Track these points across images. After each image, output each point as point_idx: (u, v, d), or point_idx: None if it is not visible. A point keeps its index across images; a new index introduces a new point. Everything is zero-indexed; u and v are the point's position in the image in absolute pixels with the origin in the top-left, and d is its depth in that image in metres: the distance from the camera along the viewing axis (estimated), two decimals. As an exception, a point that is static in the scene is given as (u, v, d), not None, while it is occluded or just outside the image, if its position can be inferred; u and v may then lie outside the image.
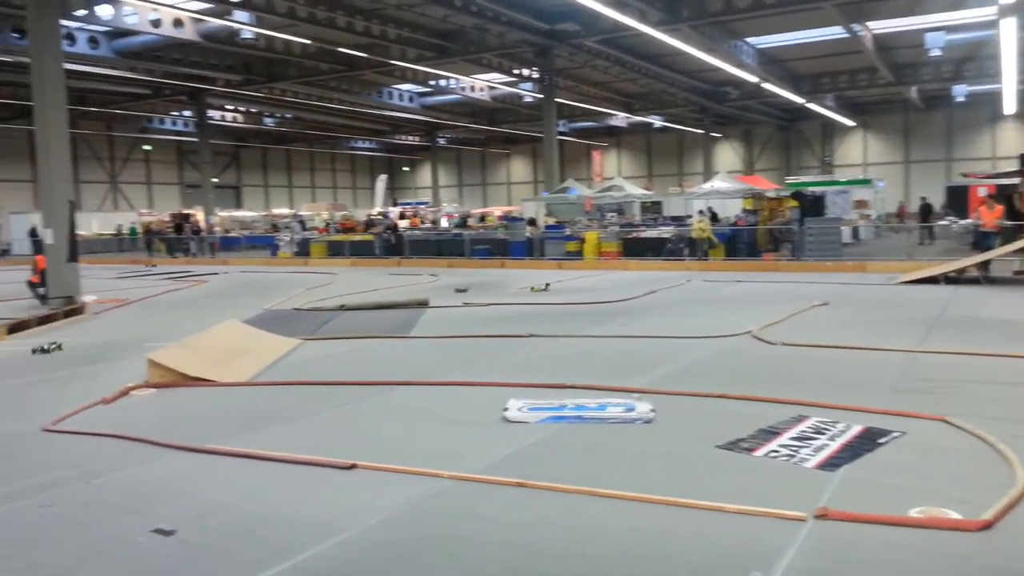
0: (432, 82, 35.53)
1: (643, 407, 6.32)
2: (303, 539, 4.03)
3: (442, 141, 56.21)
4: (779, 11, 23.22)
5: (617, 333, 10.49)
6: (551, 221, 28.04)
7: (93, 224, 39.81)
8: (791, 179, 38.03)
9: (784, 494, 4.42)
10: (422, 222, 38.64)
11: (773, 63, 32.86)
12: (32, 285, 15.86)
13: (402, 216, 39.95)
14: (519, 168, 60.92)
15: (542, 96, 31.88)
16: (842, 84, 37.05)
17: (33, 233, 33.50)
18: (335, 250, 28.14)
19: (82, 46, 25.59)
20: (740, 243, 21.95)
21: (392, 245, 26.75)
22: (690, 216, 24.58)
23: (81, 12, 22.31)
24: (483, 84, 36.85)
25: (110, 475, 5.14)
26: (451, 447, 5.66)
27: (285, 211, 48.92)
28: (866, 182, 33.91)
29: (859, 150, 49.31)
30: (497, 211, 43.98)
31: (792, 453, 5.21)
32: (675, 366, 8.21)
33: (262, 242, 34.64)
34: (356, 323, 11.90)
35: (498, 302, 14.31)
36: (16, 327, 11.99)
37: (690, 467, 5.08)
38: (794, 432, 5.66)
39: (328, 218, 40.91)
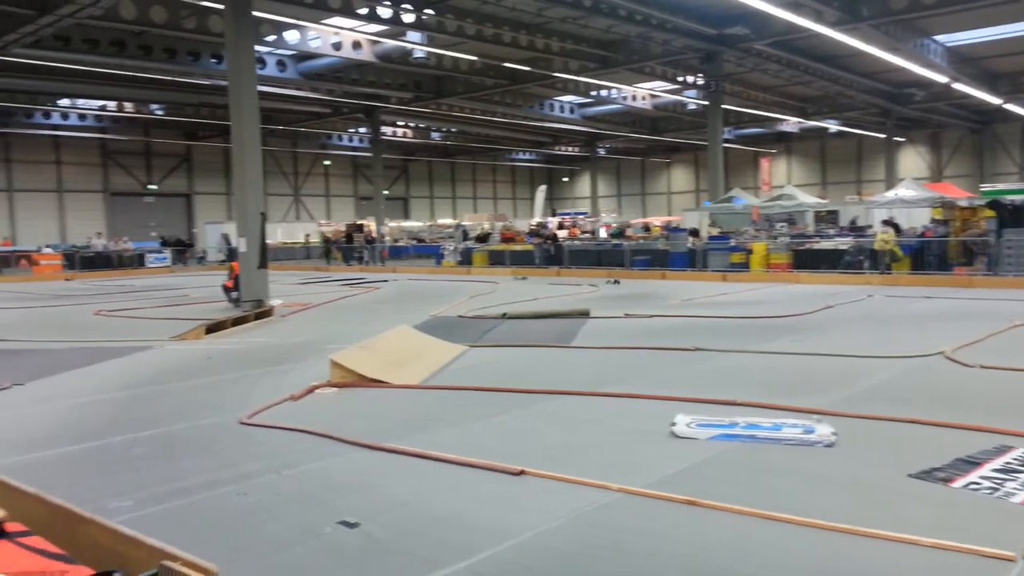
0: (593, 93, 35.60)
1: (824, 429, 5.94)
2: (476, 541, 4.12)
3: (602, 151, 56.19)
4: (971, 6, 21.33)
5: (790, 350, 9.98)
6: (715, 232, 27.22)
7: (278, 234, 43.18)
8: (986, 187, 34.66)
9: (988, 530, 4.01)
10: (581, 232, 38.73)
11: (965, 61, 30.19)
12: (227, 289, 17.38)
13: (560, 226, 40.27)
14: (680, 177, 59.71)
15: (707, 103, 31.10)
16: (1046, 82, 33.41)
17: (225, 241, 36.87)
18: (496, 259, 28.82)
19: (271, 69, 27.84)
20: (929, 256, 20.27)
21: (551, 255, 27.01)
22: (870, 226, 23.00)
23: (271, 38, 24.32)
24: (645, 93, 36.47)
25: (299, 468, 5.50)
26: (618, 459, 5.59)
27: (449, 221, 50.72)
28: (1076, 189, 30.22)
29: (1067, 154, 44.24)
30: (656, 221, 43.30)
31: (996, 486, 4.72)
32: (857, 387, 7.68)
33: (428, 251, 36.13)
34: (519, 331, 12.09)
35: (660, 314, 14.05)
36: (213, 327, 13.15)
37: (878, 495, 4.72)
38: (997, 463, 5.13)
39: (489, 228, 41.99)
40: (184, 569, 2.72)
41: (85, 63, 24.93)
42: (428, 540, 4.22)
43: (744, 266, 22.51)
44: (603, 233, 38.48)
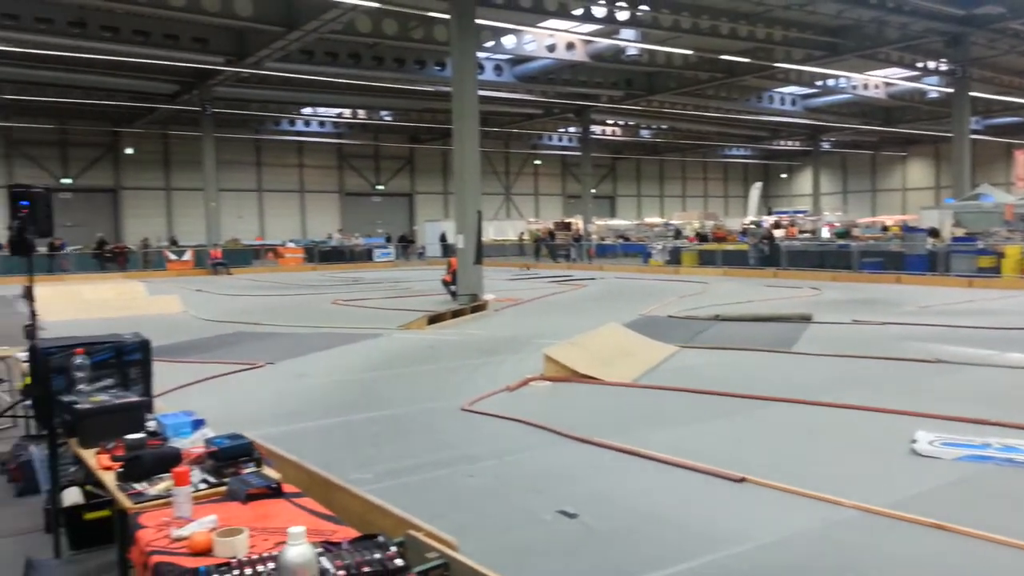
0: (819, 83, 33.45)
1: (1103, 458, 5.16)
2: (695, 544, 4.03)
3: (826, 145, 52.64)
4: None
5: (1054, 365, 8.76)
6: (959, 232, 24.53)
7: (490, 231, 44.95)
8: None
9: None
10: (800, 232, 36.55)
11: None
12: (445, 284, 18.37)
13: (776, 225, 38.27)
14: (917, 172, 54.47)
15: (951, 90, 28.11)
16: None
17: (442, 238, 39.05)
18: (706, 259, 27.99)
19: (489, 74, 28.99)
20: None
21: (767, 255, 25.75)
22: None
23: (489, 44, 25.34)
24: (878, 81, 33.66)
25: (518, 455, 5.69)
26: (850, 474, 5.21)
27: (656, 220, 50.00)
28: None
29: None
30: (889, 220, 39.84)
31: None
32: None
33: (634, 249, 35.88)
34: (732, 334, 11.65)
35: (894, 321, 12.90)
36: (434, 319, 13.94)
37: None
38: None
39: (699, 227, 40.86)
40: (428, 540, 2.91)
41: (326, 74, 27.44)
42: (646, 537, 4.19)
43: (994, 271, 20.07)
44: (825, 233, 36.06)
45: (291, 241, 38.86)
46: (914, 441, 5.70)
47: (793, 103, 37.90)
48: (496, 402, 7.43)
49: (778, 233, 31.79)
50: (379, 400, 7.68)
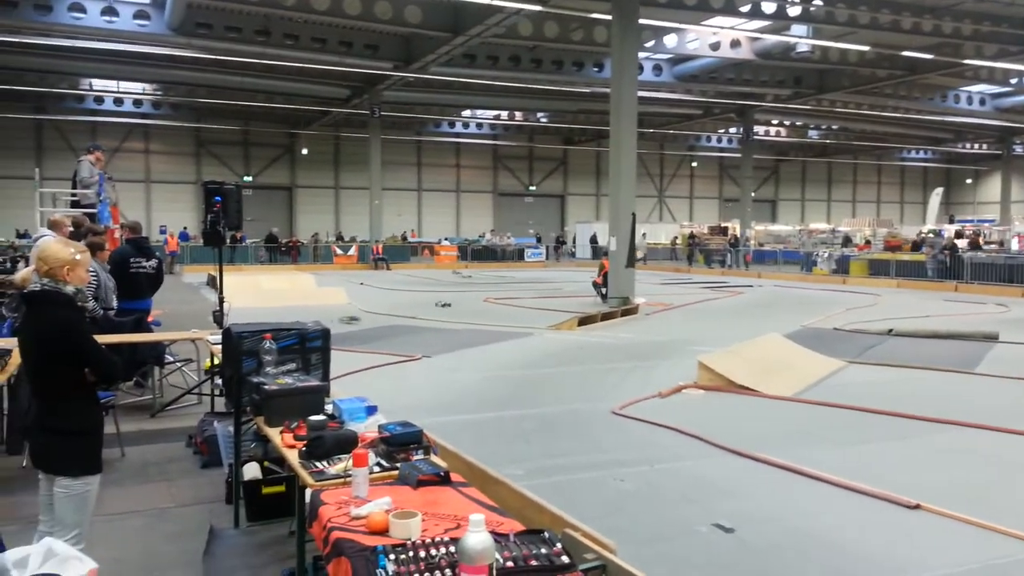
0: (1013, 80, 30.48)
1: None
2: (861, 570, 3.81)
3: (1018, 149, 47.85)
4: None
5: None
6: None
7: (642, 234, 44.40)
8: None
9: None
10: (987, 243, 33.44)
11: None
12: (596, 286, 18.32)
13: (959, 235, 35.21)
14: None
15: None
16: None
17: (593, 240, 38.96)
18: (878, 269, 26.21)
19: (648, 74, 28.61)
20: None
21: (947, 267, 23.75)
22: None
23: (649, 43, 25.01)
24: (1084, 78, 30.23)
25: (670, 464, 5.59)
26: (1042, 510, 4.73)
27: (823, 226, 47.39)
28: None
29: None
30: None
31: None
32: None
33: (796, 257, 34.19)
34: (906, 351, 10.83)
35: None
36: (584, 320, 13.96)
37: None
38: None
39: (870, 234, 38.37)
40: (585, 540, 2.92)
41: (487, 77, 28.13)
42: (808, 559, 4.00)
43: None
44: (1015, 245, 32.78)
45: (445, 239, 40.18)
46: (1123, 481, 5.08)
47: (982, 102, 34.75)
48: (647, 407, 7.34)
49: (961, 243, 29.23)
50: (529, 398, 7.79)
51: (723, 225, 41.96)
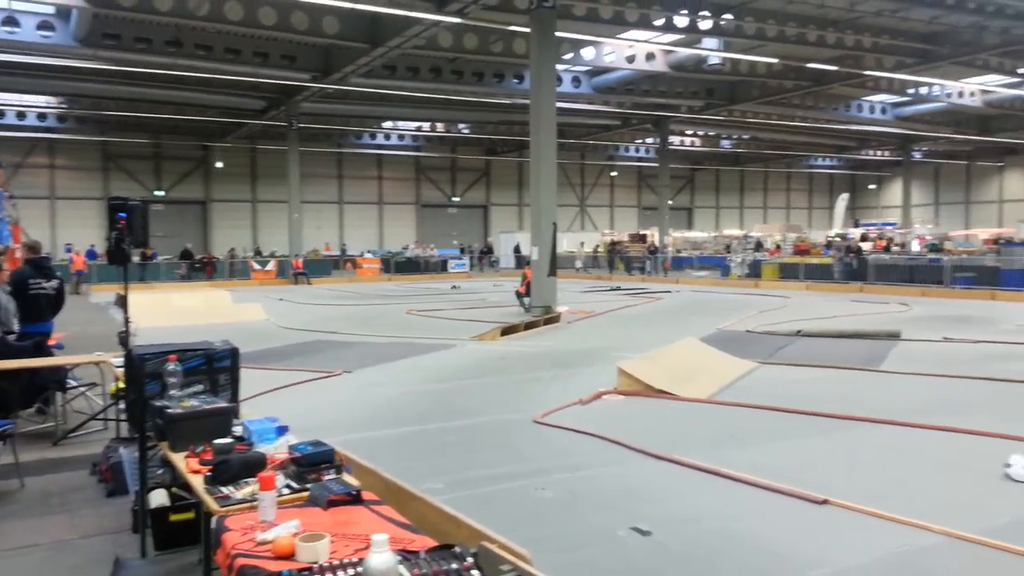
0: (911, 91, 32.20)
1: None
2: (773, 567, 3.94)
3: (917, 155, 50.58)
4: None
5: None
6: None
7: (563, 243, 44.89)
8: None
9: None
10: (889, 245, 35.17)
11: None
12: (519, 295, 18.42)
13: (864, 238, 36.94)
14: (1015, 183, 51.73)
15: (1054, 97, 26.63)
16: None
17: (516, 250, 39.21)
18: (788, 273, 27.24)
19: (567, 86, 29.04)
20: None
21: (853, 269, 24.87)
22: None
23: (568, 56, 25.39)
24: (975, 88, 32.17)
25: (591, 470, 5.65)
26: (938, 499, 5.00)
27: (735, 232, 48.94)
28: None
29: None
30: (982, 233, 37.95)
31: None
32: None
33: (711, 262, 35.22)
34: (815, 351, 11.28)
35: (989, 339, 12.27)
36: (507, 330, 14.01)
37: None
38: None
39: (781, 239, 39.81)
40: (502, 552, 2.93)
41: (407, 88, 28.00)
42: (724, 558, 4.11)
43: (1101, 288, 18.90)
44: (916, 246, 34.59)
45: (368, 251, 39.70)
46: (1008, 465, 5.40)
47: (883, 112, 36.62)
48: (569, 415, 7.41)
49: (865, 246, 30.66)
50: (452, 410, 7.75)
51: (642, 233, 42.83)
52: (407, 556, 2.10)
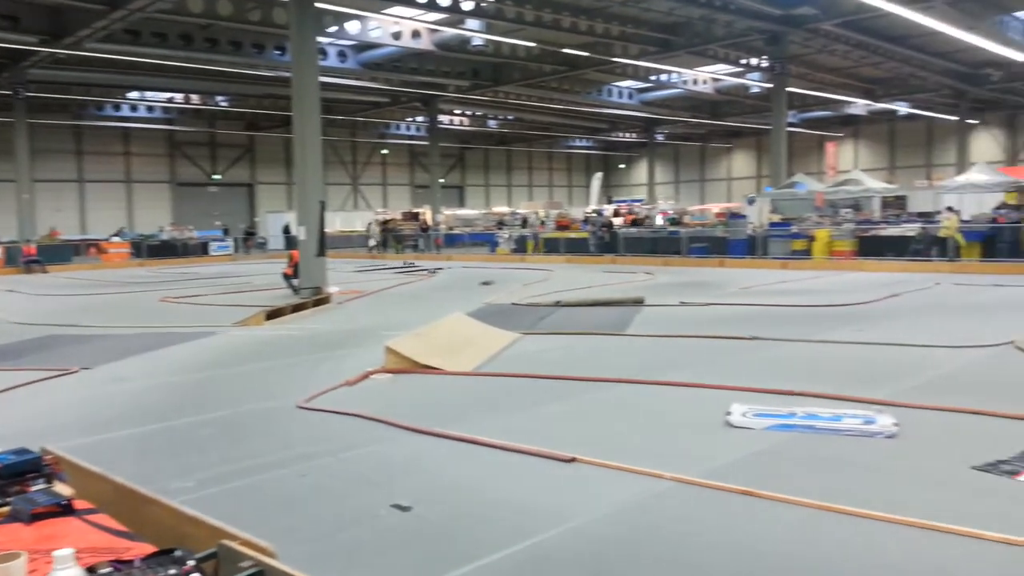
0: (653, 77, 35.10)
1: (885, 420, 5.78)
2: (528, 525, 4.14)
3: (660, 137, 55.42)
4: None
5: (853, 339, 9.71)
6: (776, 218, 26.62)
7: (336, 222, 43.88)
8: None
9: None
10: (637, 220, 38.28)
11: (1047, 37, 28.70)
12: (286, 277, 17.75)
13: (616, 213, 39.93)
14: (741, 163, 58.51)
15: (771, 86, 30.32)
16: None
17: (286, 230, 37.69)
18: (551, 247, 28.76)
19: (332, 60, 28.20)
20: (1001, 242, 19.45)
21: (606, 243, 26.82)
22: (939, 212, 22.21)
23: (333, 28, 24.66)
24: (707, 76, 35.78)
25: (355, 451, 5.61)
26: (671, 448, 5.55)
27: (504, 209, 50.75)
28: None
29: None
30: (714, 208, 42.52)
31: (1070, 483, 4.53)
32: (922, 377, 7.44)
33: (482, 239, 36.27)
34: (572, 319, 12.05)
35: (717, 302, 13.83)
36: (273, 314, 13.44)
37: (941, 488, 4.58)
38: (1071, 459, 4.92)
39: (544, 216, 41.84)
40: (242, 548, 2.79)
41: (154, 56, 25.67)
42: (481, 523, 4.27)
43: (806, 253, 22.01)
44: (659, 220, 37.99)
45: (115, 235, 36.04)
46: (729, 414, 6.13)
47: (630, 97, 39.56)
48: (335, 398, 7.29)
49: (617, 221, 33.16)
50: (207, 402, 7.31)
51: (415, 211, 43.02)
52: (119, 567, 1.95)
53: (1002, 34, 25.05)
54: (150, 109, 39.66)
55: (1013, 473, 4.70)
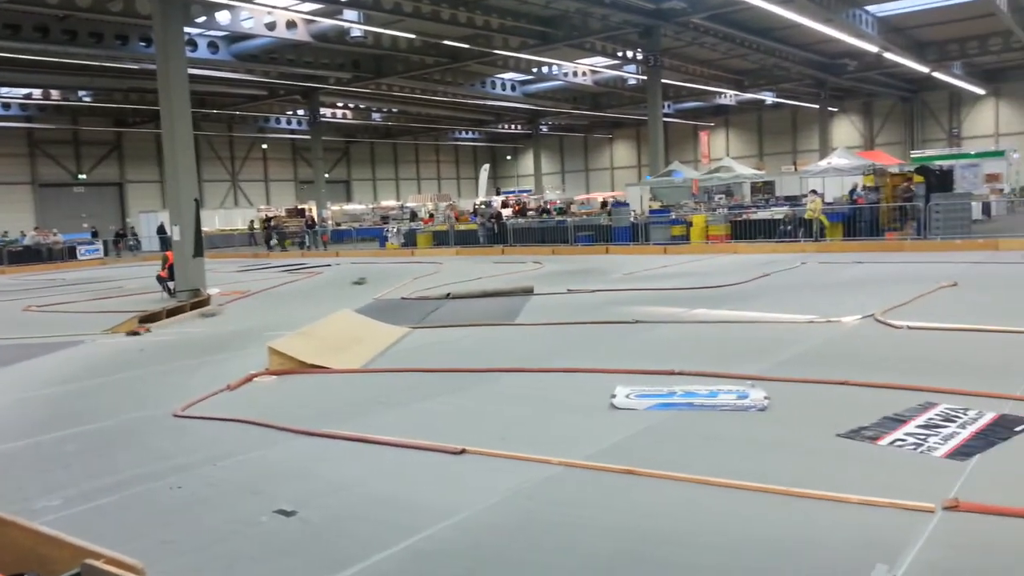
0: (535, 70, 35.48)
1: (757, 394, 6.09)
2: (417, 521, 4.11)
3: (544, 128, 56.16)
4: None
5: (728, 319, 10.18)
6: (656, 205, 27.54)
7: (216, 221, 42.12)
8: (916, 153, 35.89)
9: (911, 484, 4.18)
10: (524, 210, 38.71)
11: (895, 31, 30.93)
12: (161, 280, 16.91)
13: (504, 204, 40.21)
14: (622, 153, 60.13)
15: (646, 78, 31.28)
16: (971, 51, 34.44)
17: (160, 230, 35.88)
18: (441, 240, 28.66)
19: (203, 51, 26.93)
20: (860, 222, 20.84)
21: (495, 234, 26.98)
22: (805, 196, 23.56)
23: (201, 19, 23.54)
24: (586, 69, 36.49)
25: (235, 458, 5.40)
26: (559, 434, 5.65)
27: (392, 203, 50.17)
28: (999, 154, 31.55)
29: (990, 120, 45.79)
30: (599, 197, 43.55)
31: (919, 442, 4.91)
32: (791, 352, 7.89)
33: (371, 234, 35.72)
34: (463, 311, 12.06)
35: (603, 288, 14.17)
36: (147, 319, 12.75)
37: (809, 456, 4.87)
38: (921, 420, 5.33)
39: (432, 209, 41.64)
40: (108, 567, 2.65)
41: (7, 49, 23.75)
42: (367, 523, 4.20)
43: (684, 238, 22.87)
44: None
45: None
46: (613, 396, 6.30)
47: (513, 88, 39.84)
48: (215, 404, 7.00)
49: (506, 212, 33.40)
50: (75, 416, 6.86)
51: (300, 207, 41.86)
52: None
53: (855, 26, 26.78)
54: (6, 106, 36.79)
55: (874, 439, 5.04)
